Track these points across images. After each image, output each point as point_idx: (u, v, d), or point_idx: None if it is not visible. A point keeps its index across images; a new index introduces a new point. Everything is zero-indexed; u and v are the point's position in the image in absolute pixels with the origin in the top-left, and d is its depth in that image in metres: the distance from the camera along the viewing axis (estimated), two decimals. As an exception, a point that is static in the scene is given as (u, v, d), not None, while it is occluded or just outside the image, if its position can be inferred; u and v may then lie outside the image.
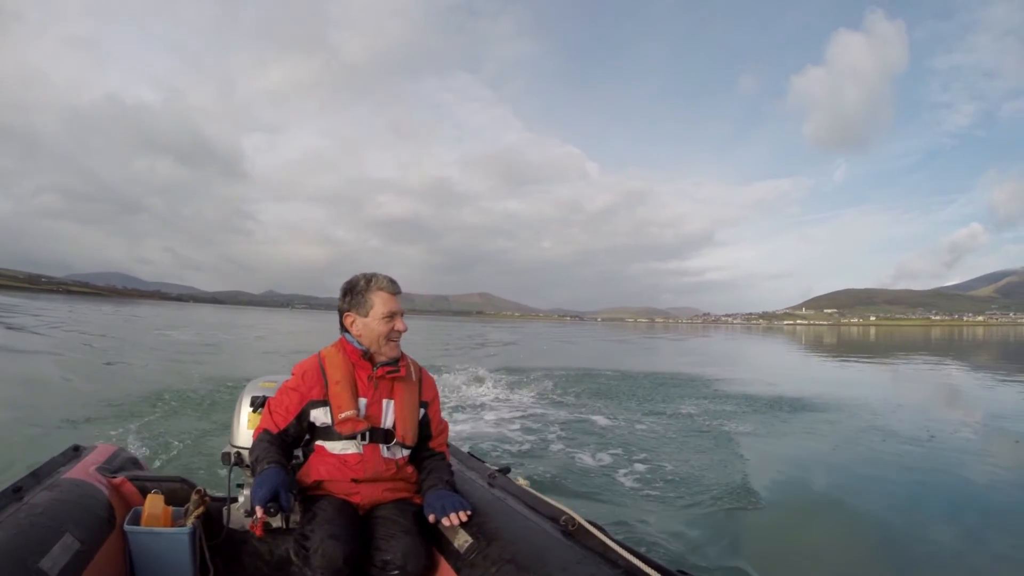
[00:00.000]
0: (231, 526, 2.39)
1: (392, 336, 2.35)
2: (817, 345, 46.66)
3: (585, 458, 6.61)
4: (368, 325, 2.33)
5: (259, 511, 1.99)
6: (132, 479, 2.53)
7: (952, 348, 40.83)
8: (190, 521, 2.30)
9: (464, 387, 11.68)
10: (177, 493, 2.47)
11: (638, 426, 8.44)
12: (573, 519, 2.02)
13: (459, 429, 7.70)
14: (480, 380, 12.57)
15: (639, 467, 6.20)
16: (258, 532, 2.21)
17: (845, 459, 7.17)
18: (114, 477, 2.49)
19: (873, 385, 17.15)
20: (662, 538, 4.32)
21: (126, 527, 2.24)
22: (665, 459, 6.56)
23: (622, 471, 6.06)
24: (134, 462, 2.91)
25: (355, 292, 2.37)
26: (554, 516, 2.10)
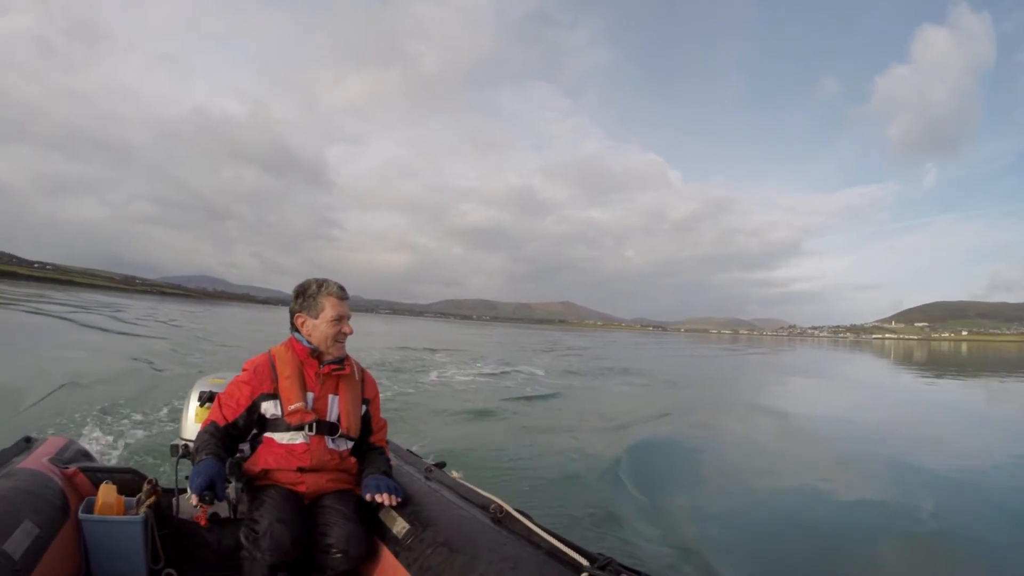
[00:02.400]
0: (181, 516, 2.55)
1: (339, 338, 2.56)
2: (921, 363, 41.96)
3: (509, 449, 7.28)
4: (317, 327, 2.54)
5: (194, 499, 2.18)
6: (84, 470, 2.64)
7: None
8: (142, 510, 2.43)
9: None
10: (129, 484, 2.59)
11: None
12: (502, 507, 2.28)
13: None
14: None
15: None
16: (202, 522, 2.38)
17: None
18: (67, 468, 2.59)
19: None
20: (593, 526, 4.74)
21: (81, 515, 2.35)
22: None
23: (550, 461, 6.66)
24: (85, 454, 3.00)
25: (307, 295, 2.57)
26: (484, 505, 2.36)
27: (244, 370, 2.52)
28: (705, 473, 7.12)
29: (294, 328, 2.60)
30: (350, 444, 2.60)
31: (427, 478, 2.73)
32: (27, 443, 2.80)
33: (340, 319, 2.55)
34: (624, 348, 42.65)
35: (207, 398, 2.98)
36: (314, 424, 2.46)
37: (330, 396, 2.54)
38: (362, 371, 2.72)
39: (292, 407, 2.43)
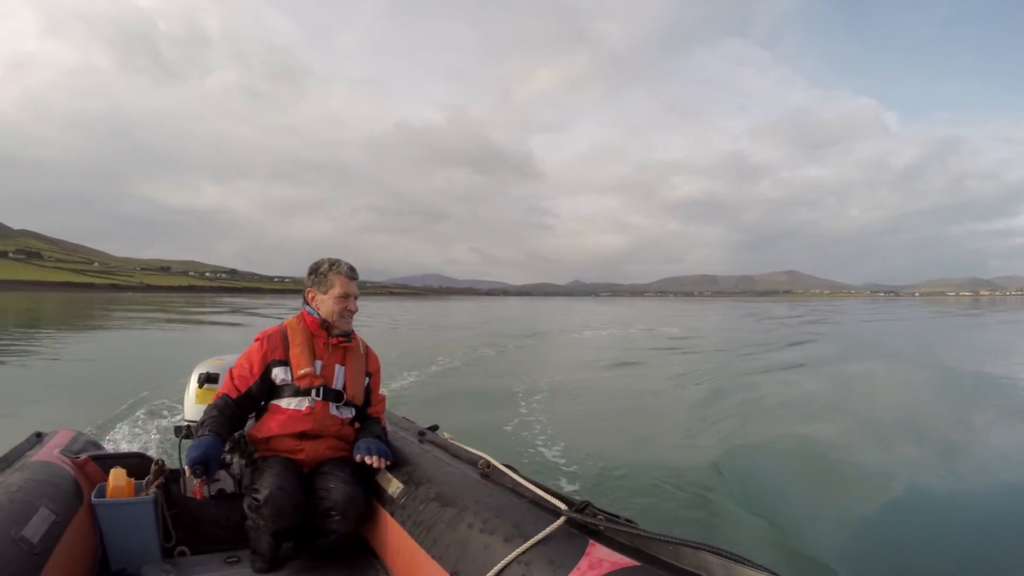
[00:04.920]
0: (188, 494, 2.67)
1: (344, 313, 2.70)
2: None
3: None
4: (325, 302, 2.69)
5: (187, 471, 2.30)
6: (94, 458, 2.77)
7: None
8: (151, 490, 2.56)
9: None
10: (137, 467, 2.71)
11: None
12: (489, 462, 2.38)
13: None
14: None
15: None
16: (198, 496, 2.49)
17: None
18: (77, 457, 2.72)
19: None
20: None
21: (93, 500, 2.47)
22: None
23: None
24: (94, 444, 3.14)
25: (318, 273, 2.72)
26: (473, 461, 2.46)
27: (256, 340, 2.66)
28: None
29: (305, 302, 2.75)
30: (352, 413, 2.73)
31: (420, 441, 2.84)
32: (38, 437, 2.94)
33: (347, 296, 2.69)
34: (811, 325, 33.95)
35: (206, 379, 3.12)
36: (321, 389, 2.60)
37: (337, 365, 2.69)
38: (366, 346, 2.87)
39: (302, 371, 2.59)
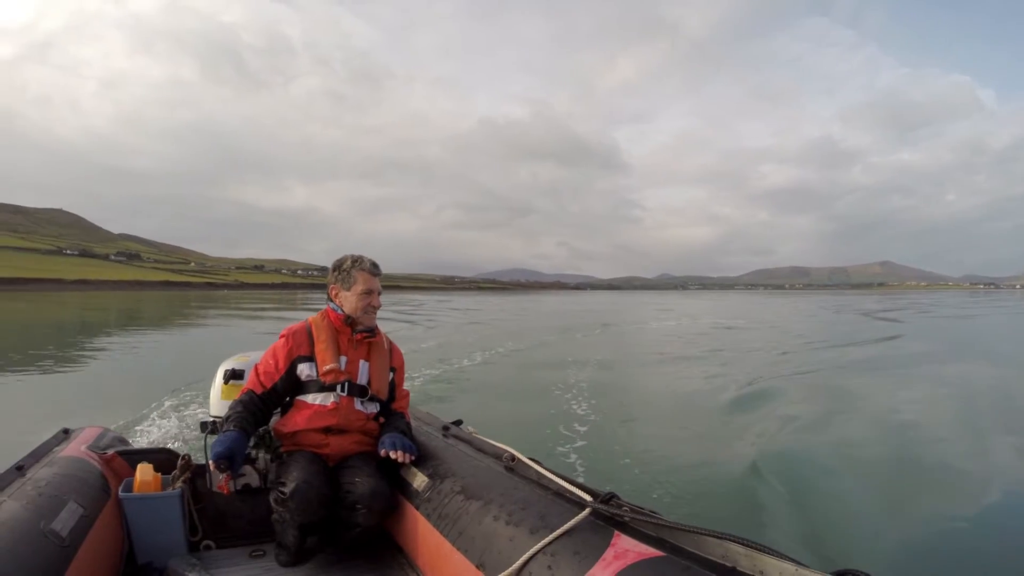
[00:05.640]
0: (214, 489, 2.69)
1: (368, 310, 2.70)
2: None
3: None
4: (348, 298, 2.70)
5: (211, 464, 2.33)
6: (121, 453, 2.80)
7: None
8: (178, 485, 2.58)
9: None
10: (164, 463, 2.74)
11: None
12: (514, 455, 2.35)
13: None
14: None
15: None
16: (225, 491, 2.52)
17: None
18: (104, 453, 2.76)
19: None
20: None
21: (121, 494, 2.50)
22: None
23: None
24: (121, 440, 3.17)
25: (342, 269, 2.73)
26: (497, 455, 2.44)
27: (281, 336, 2.68)
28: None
29: (329, 299, 2.76)
30: (377, 407, 2.73)
31: (444, 435, 2.83)
32: (66, 434, 2.98)
33: (370, 292, 2.70)
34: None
35: (231, 375, 3.14)
36: (346, 384, 2.61)
37: (361, 361, 2.70)
38: (390, 342, 2.87)
39: (327, 367, 2.59)
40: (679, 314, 40.82)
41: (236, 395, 2.65)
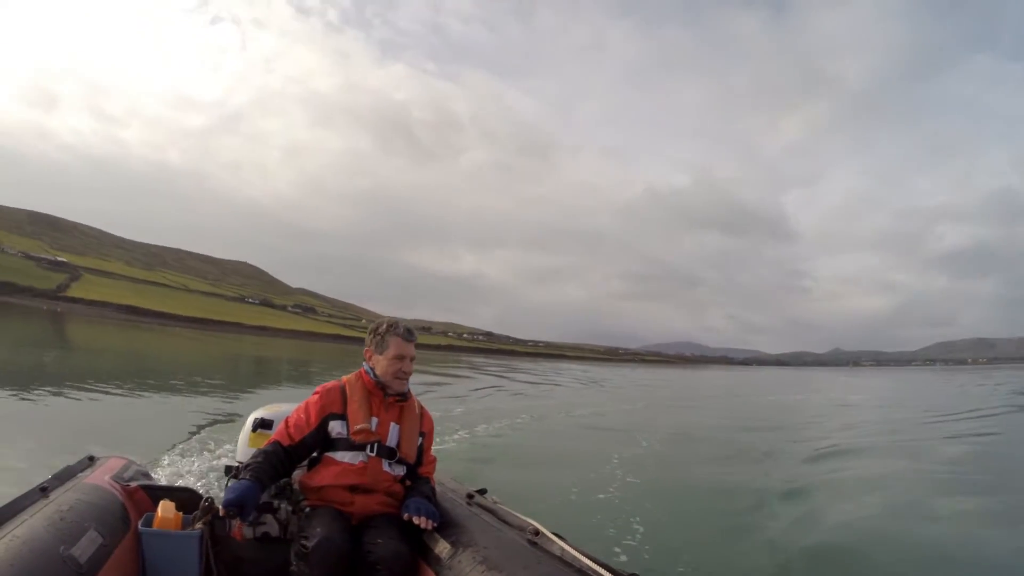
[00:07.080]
0: (229, 534, 2.67)
1: (399, 375, 2.78)
2: None
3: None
4: (380, 362, 2.78)
5: (222, 511, 2.36)
6: (144, 488, 2.82)
7: None
8: (198, 526, 2.57)
9: None
10: (186, 502, 2.74)
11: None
12: (538, 529, 2.33)
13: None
14: None
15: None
16: (237, 536, 2.52)
17: None
18: (128, 485, 2.77)
19: None
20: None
21: (141, 528, 2.50)
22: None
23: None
24: (144, 474, 3.19)
25: (377, 333, 2.83)
26: (522, 527, 2.42)
27: (316, 392, 2.75)
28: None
29: (364, 361, 2.84)
30: (404, 470, 2.76)
31: (468, 503, 2.80)
32: (91, 461, 3.01)
33: (401, 358, 2.77)
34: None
35: (260, 424, 3.20)
36: (376, 445, 2.66)
37: (392, 424, 2.76)
38: (421, 408, 2.94)
39: (358, 427, 2.65)
40: (820, 390, 36.69)
41: (262, 444, 2.70)
